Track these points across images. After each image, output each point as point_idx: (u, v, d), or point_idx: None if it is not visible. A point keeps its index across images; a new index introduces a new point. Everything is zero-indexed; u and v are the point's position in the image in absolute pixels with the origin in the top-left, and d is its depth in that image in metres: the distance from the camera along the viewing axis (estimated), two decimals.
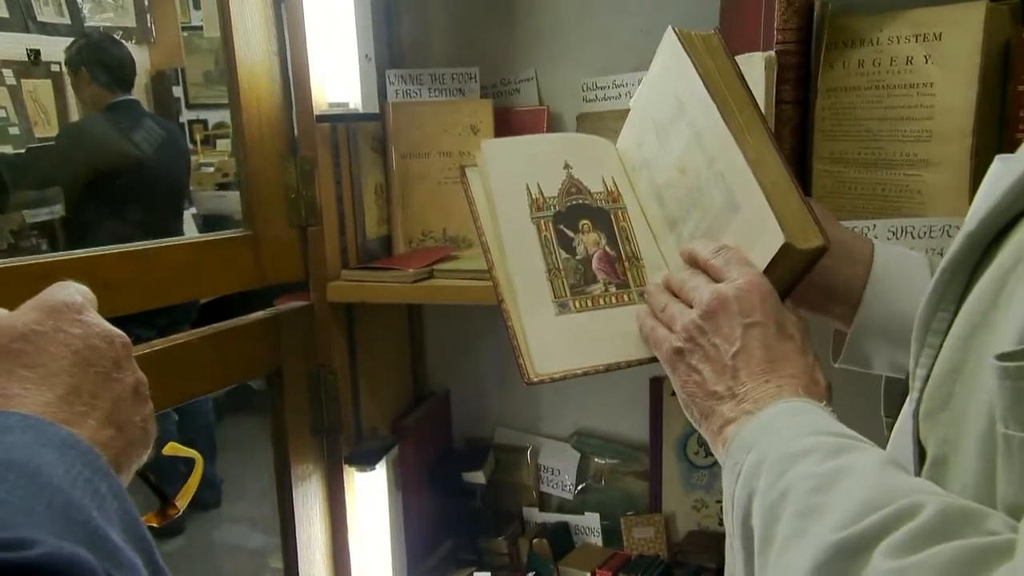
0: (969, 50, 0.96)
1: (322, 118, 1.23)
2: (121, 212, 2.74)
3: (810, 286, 0.74)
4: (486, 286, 0.80)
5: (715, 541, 1.39)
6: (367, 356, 1.37)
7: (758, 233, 0.68)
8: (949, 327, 0.48)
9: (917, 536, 0.41)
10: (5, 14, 3.58)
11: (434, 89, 1.38)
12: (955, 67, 0.97)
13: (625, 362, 0.75)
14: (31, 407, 0.47)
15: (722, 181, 0.72)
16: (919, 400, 0.50)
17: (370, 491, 1.36)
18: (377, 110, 1.32)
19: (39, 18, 3.72)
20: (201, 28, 4.47)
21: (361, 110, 1.27)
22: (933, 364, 0.49)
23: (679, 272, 0.73)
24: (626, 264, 0.80)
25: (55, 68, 3.65)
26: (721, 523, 1.27)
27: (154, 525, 0.61)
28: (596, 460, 1.50)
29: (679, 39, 0.77)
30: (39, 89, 3.67)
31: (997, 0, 0.97)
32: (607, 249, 0.81)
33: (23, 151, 3.46)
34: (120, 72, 2.92)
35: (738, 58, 0.80)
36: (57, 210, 2.93)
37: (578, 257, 0.80)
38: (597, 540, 1.49)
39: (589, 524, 1.49)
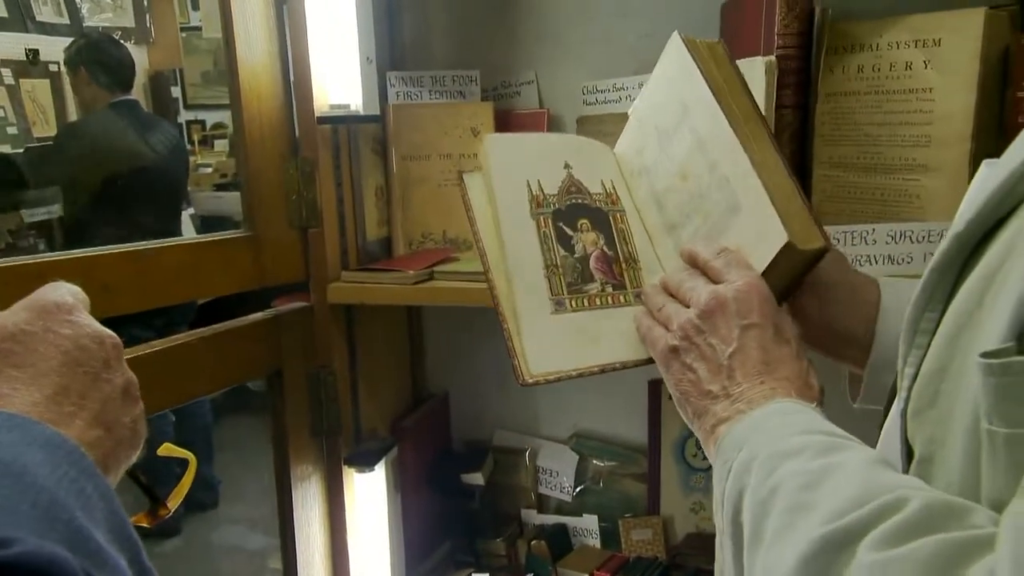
0: (968, 56, 0.96)
1: (323, 120, 1.23)
2: (121, 212, 2.73)
3: (823, 329, 0.74)
4: (486, 288, 0.80)
5: (713, 543, 1.38)
6: (367, 357, 1.38)
7: (760, 233, 0.68)
8: (937, 327, 0.49)
9: (901, 529, 0.42)
10: (4, 14, 3.57)
11: (435, 91, 1.39)
12: (954, 73, 0.97)
13: (620, 363, 0.75)
14: (19, 407, 0.48)
15: (726, 184, 0.72)
16: (907, 399, 0.50)
17: (369, 492, 1.36)
18: (378, 112, 1.32)
19: (38, 18, 3.71)
20: (200, 29, 4.48)
21: (362, 112, 1.27)
22: (921, 363, 0.49)
23: (677, 274, 0.73)
24: (623, 265, 0.80)
25: (53, 68, 3.65)
26: None
27: (145, 525, 0.61)
28: (594, 462, 1.50)
29: (685, 45, 0.77)
30: (37, 89, 3.67)
31: (996, 6, 0.97)
32: (605, 249, 0.81)
33: (21, 151, 3.46)
34: (119, 72, 2.92)
35: (739, 62, 0.80)
36: (55, 210, 2.93)
37: (576, 255, 0.80)
38: (595, 542, 1.49)
39: (587, 526, 1.50)
